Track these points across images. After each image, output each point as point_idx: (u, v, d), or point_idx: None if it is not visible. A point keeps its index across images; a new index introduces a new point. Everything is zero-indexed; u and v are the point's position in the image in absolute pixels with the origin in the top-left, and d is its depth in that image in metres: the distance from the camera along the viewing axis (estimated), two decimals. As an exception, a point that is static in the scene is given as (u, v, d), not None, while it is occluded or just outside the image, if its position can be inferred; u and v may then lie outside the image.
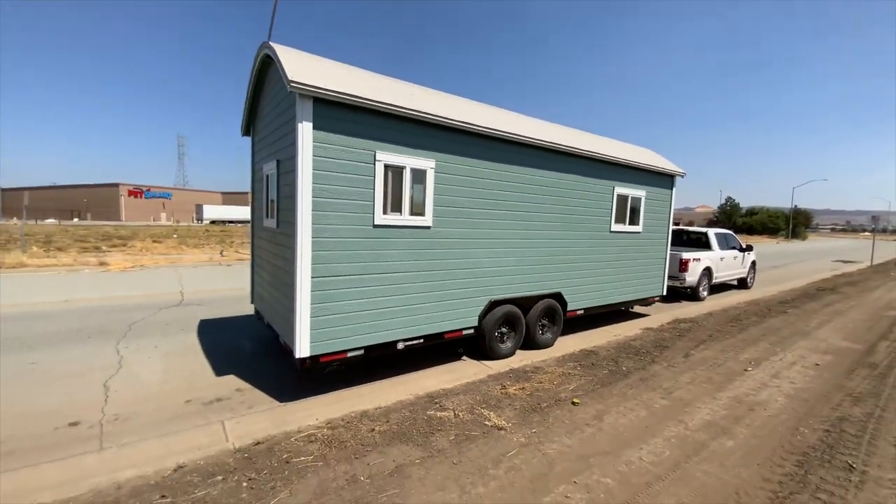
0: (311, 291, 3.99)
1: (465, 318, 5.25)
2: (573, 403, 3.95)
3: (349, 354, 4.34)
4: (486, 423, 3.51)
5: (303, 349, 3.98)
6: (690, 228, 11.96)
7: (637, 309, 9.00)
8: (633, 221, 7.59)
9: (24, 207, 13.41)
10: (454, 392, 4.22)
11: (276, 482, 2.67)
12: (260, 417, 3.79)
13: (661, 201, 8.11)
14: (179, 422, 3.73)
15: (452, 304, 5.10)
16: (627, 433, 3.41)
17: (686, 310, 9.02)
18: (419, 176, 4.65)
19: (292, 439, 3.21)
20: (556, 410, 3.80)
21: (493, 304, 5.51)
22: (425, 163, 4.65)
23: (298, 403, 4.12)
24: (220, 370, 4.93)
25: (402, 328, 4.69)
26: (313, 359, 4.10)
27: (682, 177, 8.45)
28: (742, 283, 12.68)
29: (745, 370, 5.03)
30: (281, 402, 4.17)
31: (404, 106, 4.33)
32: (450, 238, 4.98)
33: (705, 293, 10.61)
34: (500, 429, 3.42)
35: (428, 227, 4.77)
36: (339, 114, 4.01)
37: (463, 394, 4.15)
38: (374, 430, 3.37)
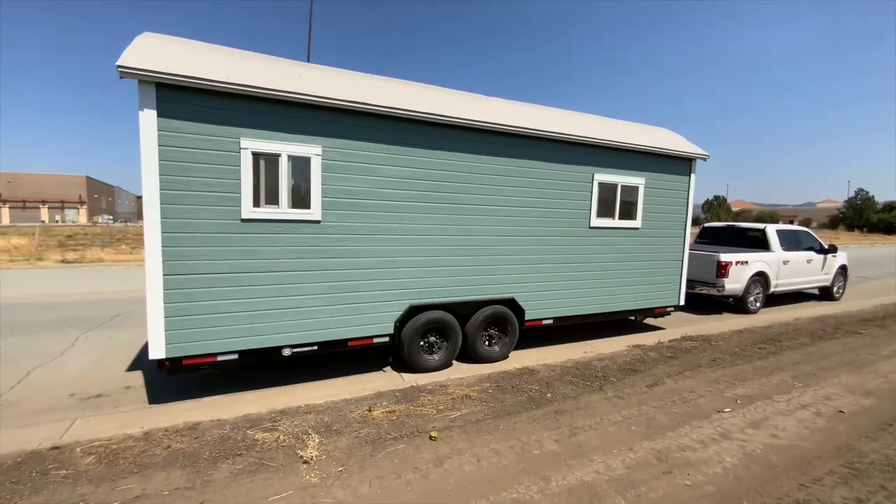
0: (165, 290, 3.75)
1: (375, 324, 4.67)
2: (430, 438, 3.19)
3: (220, 358, 4.03)
4: (299, 452, 2.94)
5: (156, 350, 3.76)
6: (746, 224, 9.79)
7: (650, 321, 7.51)
8: (627, 215, 6.28)
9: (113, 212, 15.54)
10: (312, 409, 3.69)
11: (8, 495, 2.42)
12: (110, 419, 3.64)
13: (673, 190, 6.63)
14: (45, 414, 3.73)
15: (356, 308, 4.55)
16: (455, 488, 2.59)
17: (713, 325, 7.31)
18: (301, 164, 4.19)
19: (77, 449, 2.96)
20: (399, 445, 3.08)
21: (415, 310, 4.83)
22: (308, 149, 4.17)
23: (163, 407, 3.92)
24: (133, 365, 4.97)
25: (287, 333, 4.26)
26: (173, 361, 3.86)
27: (705, 160, 6.83)
28: (826, 294, 10.09)
29: (720, 411, 3.73)
30: (150, 403, 4.01)
31: (272, 87, 3.90)
32: (348, 234, 4.44)
33: (758, 304, 8.56)
34: (305, 462, 2.83)
35: (317, 222, 4.28)
36: (191, 99, 3.71)
37: (317, 413, 3.61)
38: (170, 447, 3.00)
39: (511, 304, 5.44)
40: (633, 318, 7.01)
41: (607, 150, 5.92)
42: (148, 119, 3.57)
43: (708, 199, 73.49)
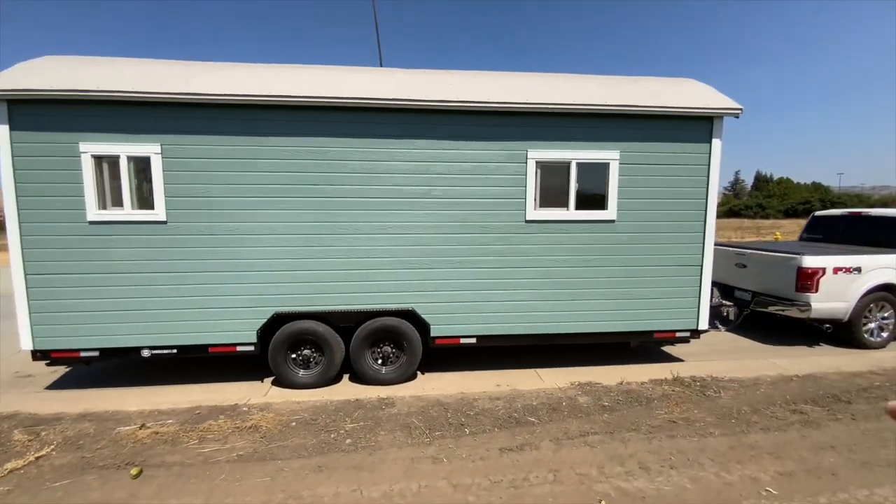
0: (28, 289, 4.08)
1: (235, 331, 4.35)
2: (131, 475, 2.71)
3: (82, 354, 4.25)
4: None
5: (25, 342, 4.13)
6: (876, 212, 6.36)
7: (671, 349, 5.46)
8: (593, 203, 4.63)
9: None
10: (109, 418, 3.56)
11: None
12: (-6, 399, 4.15)
13: (676, 165, 4.64)
14: None
15: (214, 313, 4.30)
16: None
17: (759, 364, 4.91)
18: (142, 164, 4.12)
19: None
20: (90, 476, 2.69)
21: (281, 319, 4.36)
22: (146, 148, 4.06)
23: (43, 393, 4.34)
24: (89, 351, 5.68)
25: (145, 334, 4.26)
26: (43, 353, 4.20)
27: (737, 116, 4.59)
28: None
29: (547, 514, 2.30)
30: (44, 388, 4.46)
31: (99, 89, 3.90)
32: (199, 234, 4.21)
33: (884, 335, 5.47)
34: (-11, 478, 2.68)
35: (163, 223, 4.16)
36: (39, 111, 3.94)
37: (101, 421, 3.47)
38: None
39: (410, 316, 4.50)
40: (624, 341, 5.16)
41: (547, 117, 4.42)
42: (2, 134, 3.92)
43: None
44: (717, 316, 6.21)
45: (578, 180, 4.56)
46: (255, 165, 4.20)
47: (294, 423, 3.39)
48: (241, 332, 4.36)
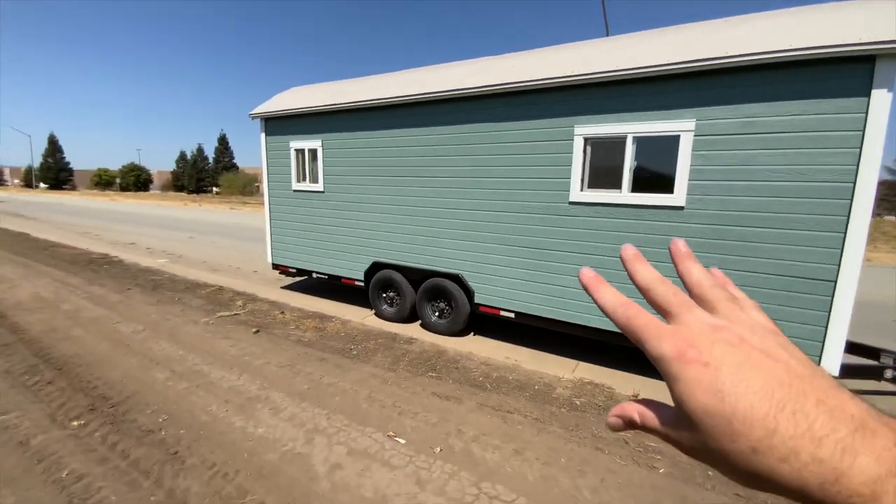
0: (271, 228, 7.11)
1: (354, 270, 6.19)
2: (253, 332, 4.78)
3: (290, 270, 7.06)
4: (236, 314, 5.46)
5: (269, 258, 7.24)
6: None
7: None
8: (656, 185, 3.90)
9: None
10: (281, 306, 5.99)
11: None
12: (239, 282, 7.52)
13: (794, 134, 3.30)
14: (247, 277, 8.18)
15: (344, 255, 6.27)
16: (201, 348, 4.30)
17: None
18: (313, 153, 6.31)
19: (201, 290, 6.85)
20: (229, 326, 4.93)
21: (377, 266, 5.89)
22: (315, 143, 6.22)
23: (271, 288, 7.44)
24: (316, 273, 8.96)
25: (318, 265, 6.66)
26: (275, 266, 7.23)
27: (932, 46, 2.76)
28: None
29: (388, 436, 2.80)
30: (281, 287, 7.65)
31: (291, 107, 6.24)
32: (339, 201, 6.17)
33: None
34: (236, 313, 5.33)
35: (322, 192, 6.32)
36: (274, 124, 6.70)
37: (275, 305, 5.89)
38: (226, 294, 6.33)
39: (457, 280, 5.15)
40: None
41: (595, 88, 3.97)
42: (262, 138, 6.90)
43: None
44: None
45: (637, 158, 3.91)
46: (361, 153, 5.74)
47: (343, 334, 4.85)
48: (356, 272, 6.15)
